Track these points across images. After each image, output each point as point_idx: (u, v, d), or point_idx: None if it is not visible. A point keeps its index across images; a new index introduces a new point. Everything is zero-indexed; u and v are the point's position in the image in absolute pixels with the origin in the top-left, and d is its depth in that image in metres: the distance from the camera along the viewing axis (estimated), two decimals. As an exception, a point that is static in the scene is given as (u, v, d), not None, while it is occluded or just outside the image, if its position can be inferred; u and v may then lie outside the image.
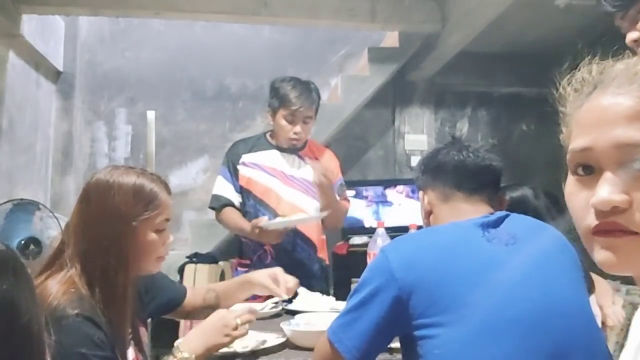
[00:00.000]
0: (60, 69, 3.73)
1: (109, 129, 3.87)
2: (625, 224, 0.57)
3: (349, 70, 4.04)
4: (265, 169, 2.23)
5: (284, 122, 2.17)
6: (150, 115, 2.87)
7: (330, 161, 2.33)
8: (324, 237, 2.30)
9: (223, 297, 1.65)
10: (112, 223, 1.16)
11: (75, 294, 1.09)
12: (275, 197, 2.20)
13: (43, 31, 3.40)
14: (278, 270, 1.67)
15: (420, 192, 1.29)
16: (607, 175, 0.58)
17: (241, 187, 2.24)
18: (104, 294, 1.13)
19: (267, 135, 2.30)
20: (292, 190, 2.21)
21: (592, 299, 1.84)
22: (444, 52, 3.47)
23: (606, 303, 1.89)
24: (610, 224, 0.57)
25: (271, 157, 2.24)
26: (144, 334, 1.32)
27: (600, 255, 0.58)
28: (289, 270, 1.96)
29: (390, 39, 3.82)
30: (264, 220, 2.07)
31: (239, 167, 2.24)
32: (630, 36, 1.24)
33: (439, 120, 4.18)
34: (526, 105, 4.25)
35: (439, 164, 1.25)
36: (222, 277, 2.92)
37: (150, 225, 1.21)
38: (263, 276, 1.64)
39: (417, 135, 4.05)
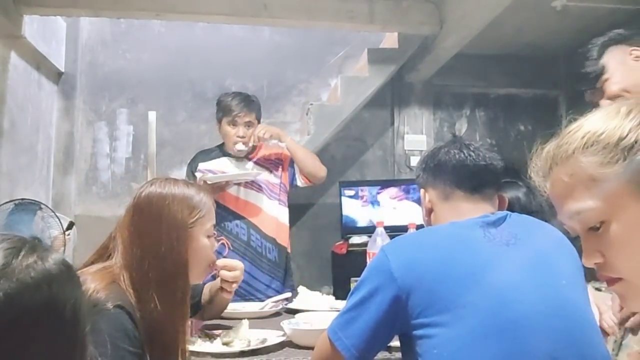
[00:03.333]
0: (62, 69, 3.74)
1: (110, 129, 3.88)
2: (609, 274, 0.68)
3: (348, 71, 4.06)
4: (216, 173, 2.46)
5: (228, 128, 2.43)
6: (152, 116, 2.88)
7: (276, 149, 2.55)
8: (286, 226, 2.52)
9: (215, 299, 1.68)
10: (169, 230, 1.20)
11: (116, 288, 1.12)
12: (227, 195, 2.42)
13: (44, 32, 3.41)
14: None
15: (421, 191, 1.30)
16: (581, 240, 0.70)
17: None
18: (162, 300, 1.14)
19: (221, 145, 2.56)
20: (245, 191, 2.44)
21: (589, 293, 1.85)
22: (442, 53, 3.49)
23: (603, 307, 1.90)
24: (602, 277, 0.69)
25: (221, 163, 2.50)
26: None
27: (620, 301, 0.72)
28: (245, 258, 2.34)
29: (390, 40, 3.84)
30: (206, 175, 2.38)
31: (196, 174, 2.48)
32: (602, 105, 1.49)
33: (437, 120, 4.20)
34: (523, 106, 4.28)
35: (440, 163, 1.25)
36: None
37: (202, 230, 1.26)
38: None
39: (416, 136, 4.07)
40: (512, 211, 1.69)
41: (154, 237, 1.19)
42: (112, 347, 1.00)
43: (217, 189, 2.35)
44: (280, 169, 2.52)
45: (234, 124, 2.42)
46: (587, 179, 0.68)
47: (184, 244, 1.22)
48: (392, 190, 3.64)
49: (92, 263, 1.22)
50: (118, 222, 1.25)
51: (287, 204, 2.53)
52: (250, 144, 2.47)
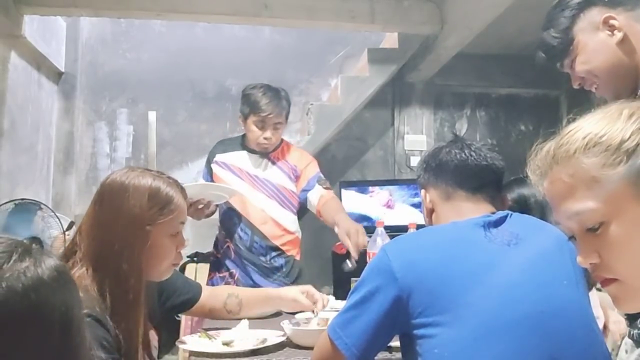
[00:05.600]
0: (62, 69, 3.75)
1: (110, 129, 3.89)
2: (604, 275, 0.69)
3: (349, 71, 4.06)
4: (232, 169, 2.31)
5: (254, 128, 2.22)
6: (152, 115, 2.89)
7: (301, 159, 2.36)
8: (295, 235, 2.37)
9: (246, 304, 1.65)
10: (125, 226, 1.13)
11: (83, 294, 1.03)
12: (240, 199, 2.26)
13: (45, 32, 3.41)
14: (310, 287, 1.71)
15: (422, 191, 1.29)
16: (578, 240, 0.71)
17: None
18: (115, 299, 1.10)
19: (243, 137, 2.36)
20: (257, 194, 2.28)
21: (594, 295, 1.85)
22: (442, 53, 3.49)
23: (608, 308, 1.91)
24: (597, 277, 0.70)
25: (239, 158, 2.32)
26: (154, 337, 1.29)
27: (613, 302, 0.71)
28: (247, 263, 2.26)
29: (390, 40, 3.84)
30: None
31: (212, 165, 2.34)
32: (574, 84, 1.31)
33: (438, 120, 4.20)
34: (524, 106, 4.28)
35: (441, 163, 1.24)
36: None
37: (164, 229, 1.18)
38: (295, 292, 1.67)
39: (416, 136, 4.07)
40: (527, 206, 1.70)
41: (111, 230, 1.13)
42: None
43: (195, 209, 2.13)
44: (296, 181, 2.32)
45: (262, 125, 2.21)
46: (588, 180, 0.68)
47: (141, 242, 1.14)
48: (399, 188, 3.63)
49: (64, 256, 1.16)
50: (86, 211, 1.19)
51: (294, 211, 2.36)
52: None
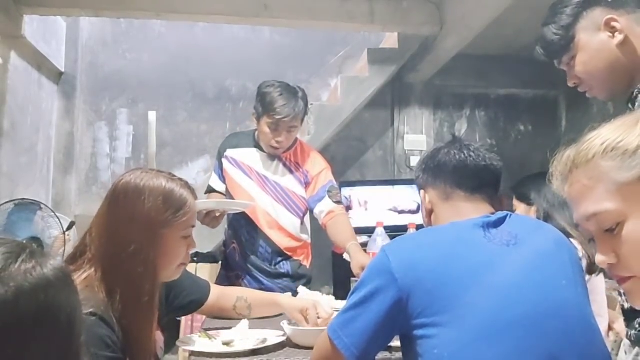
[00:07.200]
0: (62, 70, 3.75)
1: (110, 129, 3.89)
2: (622, 273, 0.72)
3: (349, 71, 4.06)
4: (242, 167, 2.24)
5: (267, 130, 2.12)
6: (152, 116, 2.88)
7: (314, 165, 2.26)
8: (302, 242, 2.27)
9: (254, 307, 1.67)
10: (140, 229, 1.13)
11: (89, 294, 1.07)
12: (249, 200, 2.19)
13: (45, 32, 3.42)
14: (312, 304, 1.58)
15: (421, 192, 1.29)
16: (596, 241, 0.73)
17: (225, 180, 2.29)
18: (127, 302, 1.10)
19: (255, 133, 2.27)
20: (264, 196, 2.20)
21: (602, 283, 1.86)
22: (442, 54, 3.50)
23: (614, 315, 1.93)
24: (615, 276, 0.73)
25: (249, 155, 2.24)
26: (160, 338, 1.30)
27: (628, 298, 0.74)
28: (252, 267, 2.19)
29: (390, 41, 3.84)
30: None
31: (223, 160, 2.27)
32: (569, 82, 1.31)
33: (437, 121, 4.21)
34: (523, 107, 4.29)
35: (440, 163, 1.25)
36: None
37: (178, 232, 1.19)
38: (293, 308, 1.59)
39: (416, 136, 4.08)
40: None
41: (125, 233, 1.13)
42: (92, 357, 0.96)
43: (211, 219, 2.09)
44: (306, 187, 2.23)
45: (275, 127, 2.11)
46: (605, 182, 0.71)
47: (156, 245, 1.15)
48: (399, 189, 3.62)
49: (73, 257, 1.17)
50: (97, 212, 1.19)
51: (302, 216, 2.25)
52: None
